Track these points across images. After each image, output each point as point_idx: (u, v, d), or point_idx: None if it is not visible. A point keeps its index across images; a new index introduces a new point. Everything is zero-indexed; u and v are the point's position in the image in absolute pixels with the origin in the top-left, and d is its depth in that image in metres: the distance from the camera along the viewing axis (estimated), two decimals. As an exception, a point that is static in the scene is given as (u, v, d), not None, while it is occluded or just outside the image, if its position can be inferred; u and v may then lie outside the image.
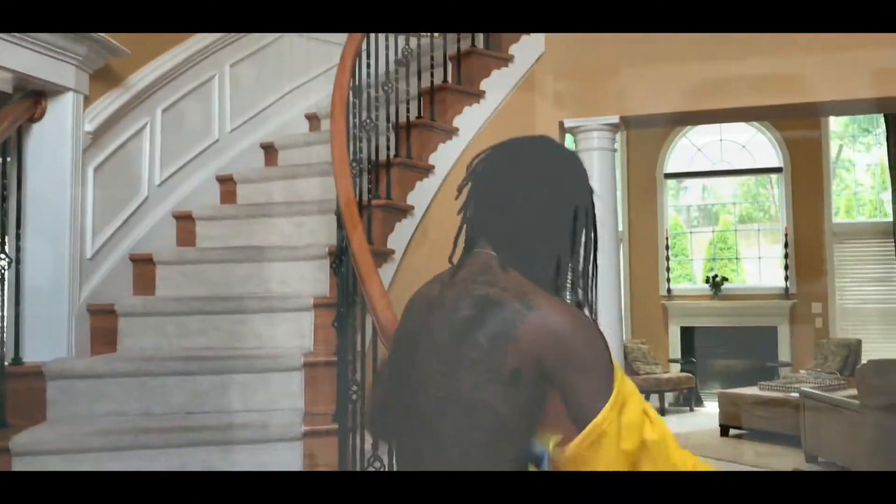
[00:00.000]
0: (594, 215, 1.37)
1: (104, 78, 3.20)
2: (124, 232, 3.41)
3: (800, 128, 9.50)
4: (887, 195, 9.12)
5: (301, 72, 4.56)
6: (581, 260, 1.35)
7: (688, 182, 10.41)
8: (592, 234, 1.36)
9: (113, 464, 2.53)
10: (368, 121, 3.28)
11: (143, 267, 3.43)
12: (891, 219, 8.84)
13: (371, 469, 2.48)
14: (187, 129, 3.83)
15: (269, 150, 4.29)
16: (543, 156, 1.37)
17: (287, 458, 2.66)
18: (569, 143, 4.35)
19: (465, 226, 1.40)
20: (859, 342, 8.45)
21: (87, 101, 3.10)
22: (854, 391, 6.15)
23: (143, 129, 3.51)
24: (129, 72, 3.36)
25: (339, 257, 2.81)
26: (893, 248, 8.74)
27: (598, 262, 1.38)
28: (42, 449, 2.52)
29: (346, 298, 2.72)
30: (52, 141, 2.98)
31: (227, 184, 3.99)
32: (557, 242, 1.33)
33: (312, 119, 4.55)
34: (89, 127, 3.08)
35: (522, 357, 1.21)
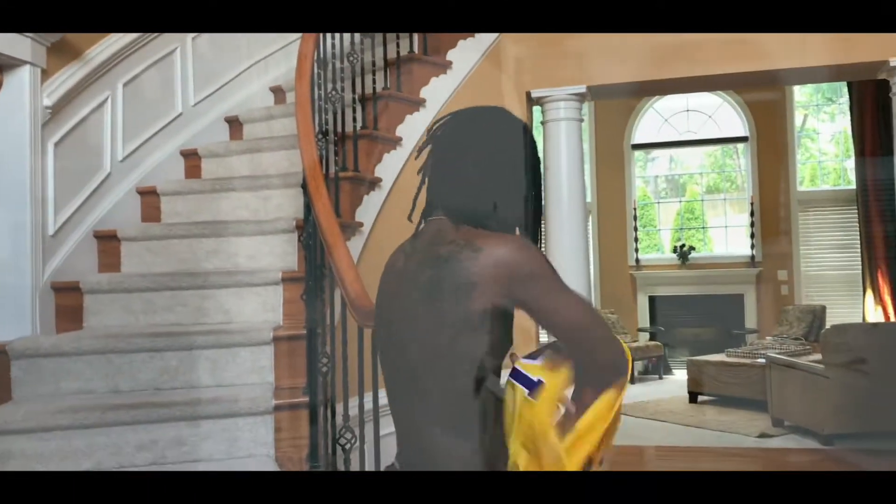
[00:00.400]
0: (540, 182, 1.51)
1: (62, 51, 3.13)
2: (87, 208, 3.36)
3: (765, 98, 9.59)
4: (851, 163, 9.26)
5: (265, 44, 4.50)
6: (528, 221, 1.47)
7: (655, 153, 10.47)
8: (539, 201, 1.49)
9: (80, 441, 2.51)
10: (334, 92, 3.24)
11: (107, 243, 3.39)
12: (854, 186, 8.97)
13: (342, 441, 2.49)
14: (150, 103, 3.76)
15: (234, 124, 4.24)
16: (495, 126, 1.48)
17: (258, 432, 2.66)
18: (536, 113, 4.34)
19: (423, 186, 1.51)
20: (823, 308, 8.60)
21: (45, 74, 3.03)
22: (819, 356, 6.27)
23: (104, 104, 3.44)
24: (87, 45, 3.29)
25: (307, 230, 2.79)
26: (856, 216, 8.88)
27: (542, 224, 1.53)
28: (8, 428, 2.49)
29: (314, 271, 2.70)
30: (10, 115, 2.92)
31: (191, 158, 3.94)
32: (505, 206, 1.44)
33: (277, 92, 4.50)
34: (48, 101, 3.02)
35: (486, 297, 1.31)
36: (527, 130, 1.51)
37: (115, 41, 3.43)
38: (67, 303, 3.11)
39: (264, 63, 4.52)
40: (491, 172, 1.44)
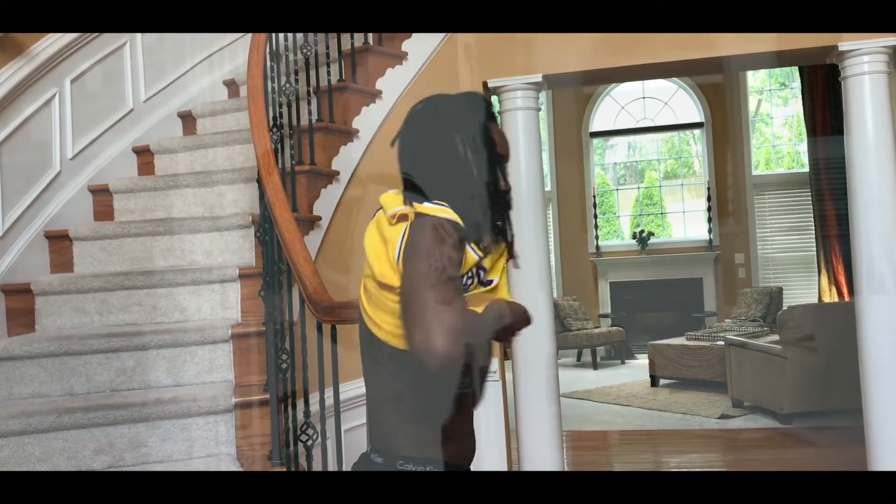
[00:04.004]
0: (496, 171, 1.55)
1: (4, 47, 3.05)
2: (37, 207, 3.28)
3: (719, 83, 9.71)
4: (803, 147, 9.42)
5: (217, 37, 4.42)
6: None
7: (614, 140, 10.55)
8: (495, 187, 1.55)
9: (35, 447, 2.46)
10: (288, 85, 3.20)
11: (59, 243, 3.31)
12: (807, 169, 9.13)
13: (304, 437, 2.46)
14: (99, 99, 3.68)
15: (187, 119, 4.17)
16: (457, 111, 1.56)
17: (218, 431, 2.63)
18: (494, 103, 4.34)
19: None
20: (780, 290, 8.76)
21: (-12, 71, 2.96)
22: (776, 337, 6.39)
23: (51, 101, 3.36)
24: (31, 41, 3.21)
25: (263, 225, 2.76)
26: (810, 198, 9.03)
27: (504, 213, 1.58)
28: (-41, 436, 2.43)
29: (271, 267, 2.68)
30: (-48, 115, 2.84)
31: (144, 155, 3.86)
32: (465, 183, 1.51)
33: (231, 85, 4.43)
34: (-8, 99, 2.94)
35: None
36: (490, 117, 1.56)
37: (60, 36, 3.35)
38: (18, 305, 3.03)
39: (217, 56, 4.45)
40: (442, 156, 1.51)
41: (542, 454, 3.81)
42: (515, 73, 3.98)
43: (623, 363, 9.41)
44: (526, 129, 4.01)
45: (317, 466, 2.48)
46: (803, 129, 9.18)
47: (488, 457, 3.76)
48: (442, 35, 4.03)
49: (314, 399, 2.61)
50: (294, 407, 2.55)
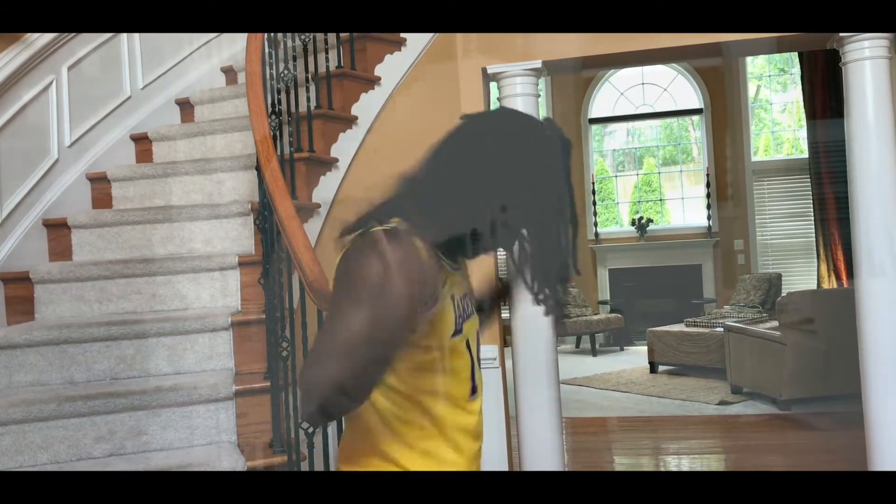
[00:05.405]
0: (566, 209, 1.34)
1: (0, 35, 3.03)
2: (35, 196, 3.27)
3: (718, 69, 9.67)
4: (803, 133, 9.39)
5: (214, 23, 4.40)
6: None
7: (613, 126, 10.52)
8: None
9: (36, 435, 2.46)
10: (286, 72, 3.19)
11: (57, 231, 3.31)
12: (806, 155, 9.11)
13: (304, 425, 2.46)
14: (97, 86, 3.66)
15: (185, 106, 4.15)
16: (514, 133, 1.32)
17: (219, 419, 2.63)
18: (493, 90, 4.32)
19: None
20: (779, 276, 8.75)
21: (-16, 59, 2.94)
22: (775, 323, 6.39)
23: (48, 88, 3.35)
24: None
25: (262, 213, 2.75)
26: (809, 183, 9.02)
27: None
28: (-41, 424, 2.43)
29: (270, 255, 2.67)
30: (-51, 102, 2.82)
31: (142, 142, 3.85)
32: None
33: (228, 72, 4.41)
34: (-12, 86, 2.93)
35: None
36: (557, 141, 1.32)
37: (57, 23, 3.33)
38: (17, 293, 3.03)
39: (215, 43, 4.43)
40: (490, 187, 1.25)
41: (542, 440, 3.81)
42: (515, 59, 3.95)
43: (622, 350, 9.43)
44: (525, 115, 4.00)
45: (317, 454, 2.48)
46: (802, 115, 9.15)
47: (488, 444, 3.76)
48: (441, 21, 4.01)
49: (315, 386, 2.60)
50: (295, 395, 2.55)
